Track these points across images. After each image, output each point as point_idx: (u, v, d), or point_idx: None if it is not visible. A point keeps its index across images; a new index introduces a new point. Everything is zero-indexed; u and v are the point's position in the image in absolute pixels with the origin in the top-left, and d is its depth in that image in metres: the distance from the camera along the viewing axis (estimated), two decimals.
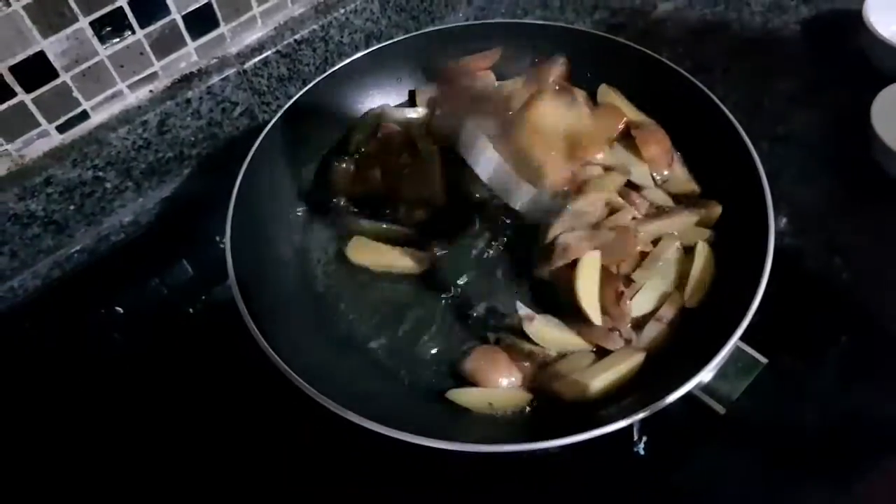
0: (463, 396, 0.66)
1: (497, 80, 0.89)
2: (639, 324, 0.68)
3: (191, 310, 0.83)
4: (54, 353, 0.80)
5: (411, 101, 0.92)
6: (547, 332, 0.68)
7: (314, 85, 0.83)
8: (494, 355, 0.68)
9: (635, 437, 0.65)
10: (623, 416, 0.55)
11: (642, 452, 0.65)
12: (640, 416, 0.55)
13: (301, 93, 0.83)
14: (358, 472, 0.67)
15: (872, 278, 0.74)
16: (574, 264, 0.68)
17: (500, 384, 0.66)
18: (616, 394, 0.62)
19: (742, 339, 0.58)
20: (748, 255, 0.65)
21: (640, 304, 0.69)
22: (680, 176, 0.79)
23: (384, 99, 0.91)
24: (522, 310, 0.69)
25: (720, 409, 0.55)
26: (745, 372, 0.58)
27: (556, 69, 0.86)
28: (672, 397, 0.55)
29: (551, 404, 0.64)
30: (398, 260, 0.76)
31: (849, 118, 0.87)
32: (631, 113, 0.83)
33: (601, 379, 0.63)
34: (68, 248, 0.86)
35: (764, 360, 0.58)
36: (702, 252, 0.71)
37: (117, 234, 0.89)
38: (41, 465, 0.71)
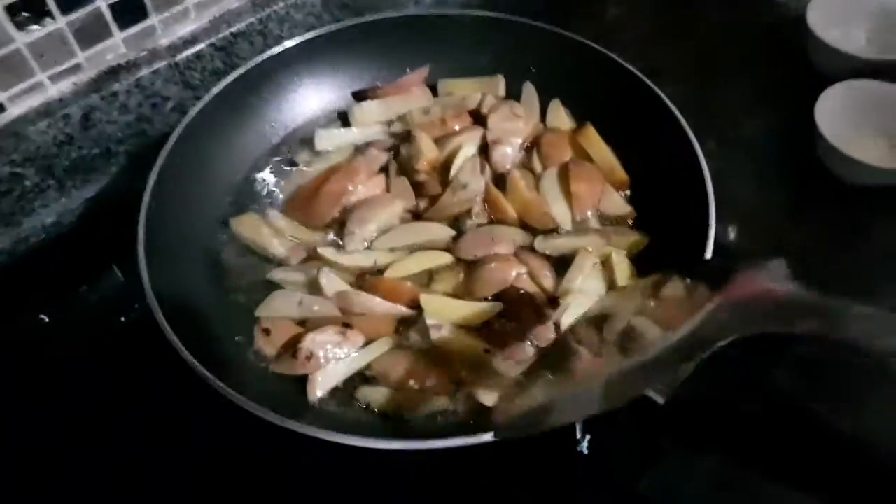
0: (373, 395, 0.65)
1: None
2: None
3: (123, 319, 0.78)
4: None
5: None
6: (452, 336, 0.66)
7: (244, 73, 0.81)
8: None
9: (578, 436, 0.62)
10: None
11: (586, 451, 0.63)
12: None
13: (228, 80, 0.80)
14: (280, 468, 0.65)
15: (818, 277, 0.73)
16: None
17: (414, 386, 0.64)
18: None
19: None
20: (690, 249, 0.64)
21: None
22: (615, 201, 0.79)
23: (318, 93, 0.88)
24: (430, 319, 0.66)
25: (660, 400, 0.53)
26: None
27: (417, 77, 0.87)
28: None
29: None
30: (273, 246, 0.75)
31: (794, 118, 0.87)
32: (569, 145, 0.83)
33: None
34: None
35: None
36: (619, 262, 0.71)
37: (38, 236, 0.83)
38: None
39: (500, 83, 0.87)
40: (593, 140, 0.81)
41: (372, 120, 0.86)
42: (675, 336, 0.51)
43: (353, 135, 0.85)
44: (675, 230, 0.71)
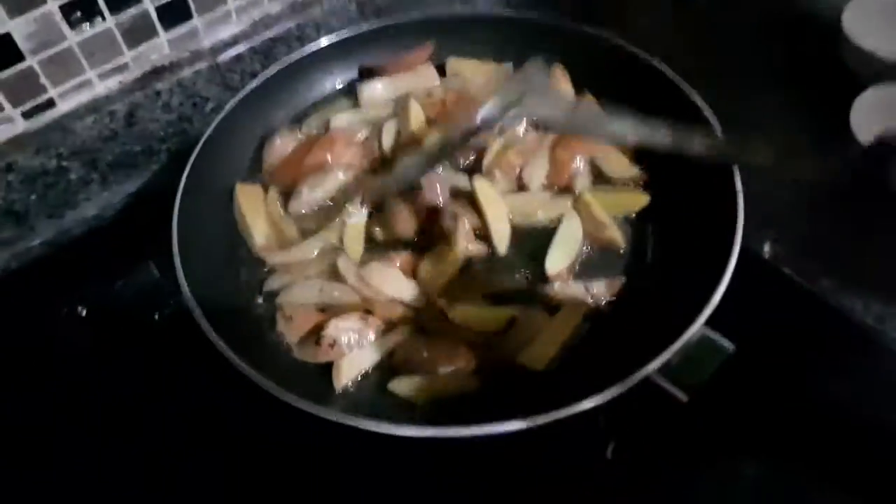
0: (400, 386, 0.65)
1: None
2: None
3: (156, 316, 0.80)
4: (10, 351, 0.76)
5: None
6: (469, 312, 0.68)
7: (280, 70, 0.83)
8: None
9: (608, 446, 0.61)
10: (579, 398, 0.52)
11: (610, 457, 0.62)
12: (597, 400, 0.52)
13: (266, 75, 0.83)
14: (312, 458, 0.65)
15: (848, 277, 0.72)
16: None
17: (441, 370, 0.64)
18: (573, 375, 0.59)
19: (710, 325, 0.56)
20: (716, 240, 0.63)
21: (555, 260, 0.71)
22: (620, 162, 0.80)
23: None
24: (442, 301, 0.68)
25: (682, 397, 0.52)
26: (711, 358, 0.55)
27: (423, 54, 0.88)
28: (631, 381, 0.52)
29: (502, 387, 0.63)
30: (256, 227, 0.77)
31: (828, 122, 0.86)
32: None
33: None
34: (28, 241, 0.84)
35: (731, 346, 0.55)
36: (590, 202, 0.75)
37: (80, 228, 0.86)
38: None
39: (508, 70, 0.88)
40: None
41: (379, 99, 0.87)
42: None
43: (365, 114, 0.86)
44: (702, 213, 0.70)
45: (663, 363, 0.54)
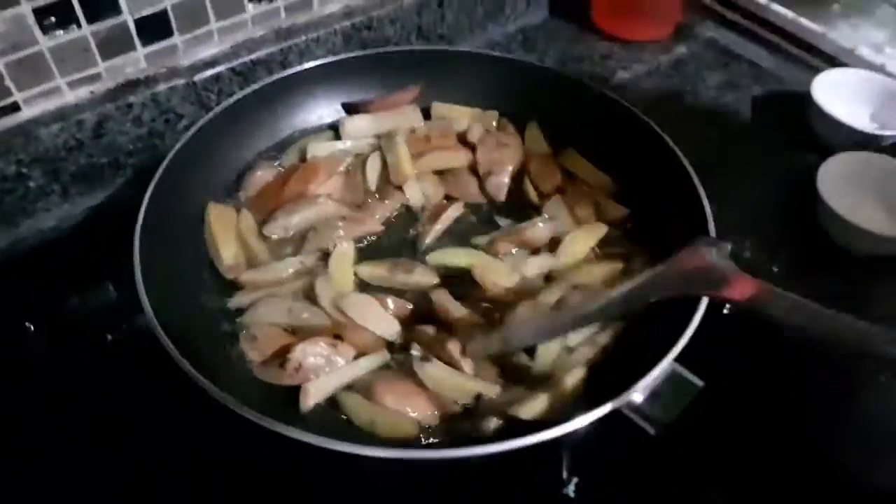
0: (349, 401, 0.62)
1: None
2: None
3: (109, 336, 0.76)
4: None
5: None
6: (439, 375, 0.64)
7: (256, 89, 0.83)
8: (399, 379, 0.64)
9: (564, 476, 0.60)
10: (546, 426, 0.50)
11: (572, 494, 0.60)
12: (563, 430, 0.50)
13: (242, 94, 0.82)
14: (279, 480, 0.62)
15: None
16: None
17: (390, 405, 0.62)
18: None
19: (680, 361, 0.55)
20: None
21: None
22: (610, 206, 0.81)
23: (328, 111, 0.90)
24: (416, 350, 0.65)
25: (651, 431, 0.51)
26: (681, 395, 0.54)
27: (408, 95, 0.88)
28: (596, 414, 0.51)
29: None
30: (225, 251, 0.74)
31: (797, 185, 0.88)
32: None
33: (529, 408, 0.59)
34: None
35: (700, 383, 0.54)
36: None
37: (36, 239, 0.83)
38: None
39: (493, 117, 0.90)
40: (577, 160, 0.85)
41: (361, 133, 0.87)
42: (614, 291, 0.62)
43: (344, 146, 0.86)
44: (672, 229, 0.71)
45: (632, 397, 0.53)
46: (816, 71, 0.98)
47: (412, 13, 0.99)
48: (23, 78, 0.76)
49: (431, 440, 0.61)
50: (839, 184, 0.83)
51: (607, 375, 0.62)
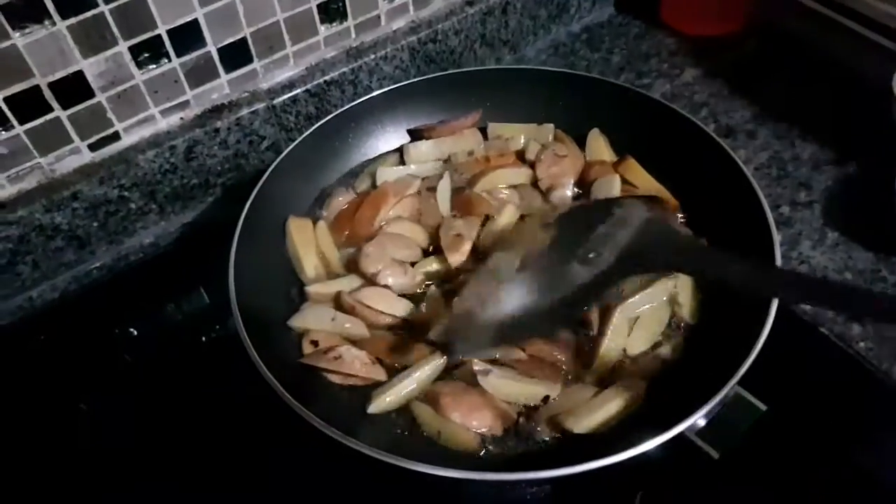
0: (419, 410, 0.67)
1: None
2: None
3: (203, 338, 0.83)
4: (65, 366, 0.81)
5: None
6: (503, 385, 0.67)
7: (333, 117, 0.87)
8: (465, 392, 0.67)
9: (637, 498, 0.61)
10: (609, 454, 0.52)
11: None
12: (630, 454, 0.52)
13: (322, 122, 0.86)
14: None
15: (885, 340, 0.71)
16: None
17: (457, 420, 0.65)
18: (607, 433, 0.60)
19: (743, 385, 0.56)
20: (752, 302, 0.63)
21: (636, 340, 0.69)
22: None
23: (396, 136, 0.94)
24: (478, 365, 0.67)
25: (714, 454, 0.52)
26: (744, 418, 0.55)
27: (468, 121, 0.91)
28: (662, 438, 0.53)
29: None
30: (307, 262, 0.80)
31: (873, 185, 0.85)
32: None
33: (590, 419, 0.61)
34: (88, 264, 0.88)
35: (763, 406, 0.55)
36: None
37: (137, 255, 0.91)
38: (47, 477, 0.71)
39: (549, 131, 0.91)
40: (636, 170, 0.84)
41: (424, 158, 0.91)
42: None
43: (410, 170, 0.90)
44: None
45: (696, 421, 0.54)
46: None
47: (476, 22, 1.01)
48: (122, 109, 0.82)
49: (489, 447, 0.65)
50: None
51: (665, 392, 0.63)
